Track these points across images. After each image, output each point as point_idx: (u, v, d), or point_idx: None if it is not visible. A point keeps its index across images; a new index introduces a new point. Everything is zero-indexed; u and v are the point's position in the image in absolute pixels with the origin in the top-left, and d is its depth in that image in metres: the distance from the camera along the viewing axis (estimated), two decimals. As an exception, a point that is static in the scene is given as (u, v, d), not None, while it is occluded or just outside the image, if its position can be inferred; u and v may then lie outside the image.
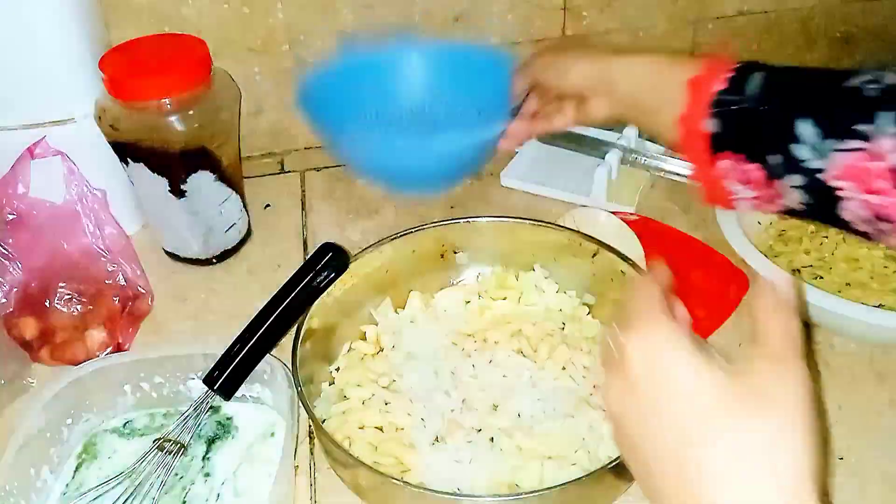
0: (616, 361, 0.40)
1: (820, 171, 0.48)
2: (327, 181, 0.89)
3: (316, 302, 0.60)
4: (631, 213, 0.77)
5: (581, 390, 0.58)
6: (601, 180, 0.79)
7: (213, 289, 0.75)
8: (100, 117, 0.69)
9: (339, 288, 0.63)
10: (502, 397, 0.58)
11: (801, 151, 0.48)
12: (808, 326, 0.66)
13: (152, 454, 0.56)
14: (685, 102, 0.54)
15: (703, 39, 0.94)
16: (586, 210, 0.73)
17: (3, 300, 0.69)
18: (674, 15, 0.92)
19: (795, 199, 0.50)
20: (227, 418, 0.61)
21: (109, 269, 0.71)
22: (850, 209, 0.48)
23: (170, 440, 0.56)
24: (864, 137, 0.46)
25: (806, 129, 0.48)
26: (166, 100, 0.67)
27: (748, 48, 0.96)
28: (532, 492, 0.51)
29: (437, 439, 0.56)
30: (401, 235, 0.66)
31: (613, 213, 0.72)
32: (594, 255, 0.64)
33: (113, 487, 0.55)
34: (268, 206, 0.85)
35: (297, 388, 0.55)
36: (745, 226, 0.68)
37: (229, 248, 0.78)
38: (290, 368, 0.57)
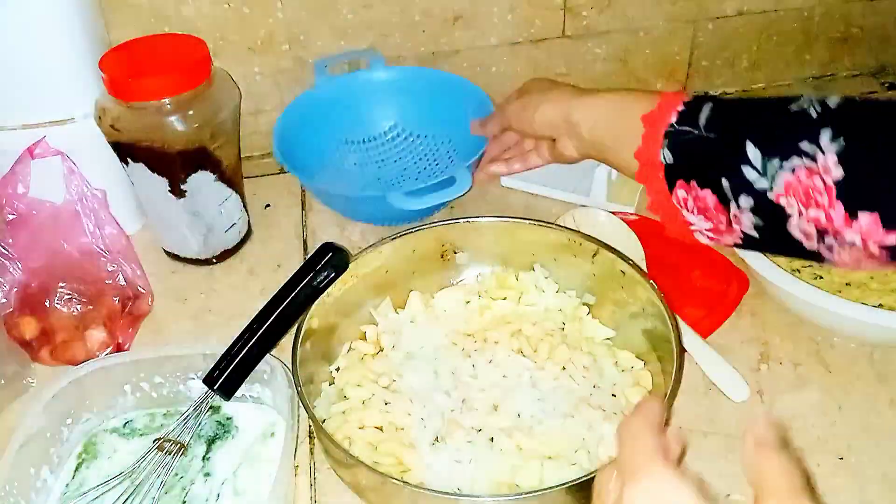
0: None
1: (767, 190, 0.50)
2: (327, 181, 0.89)
3: (316, 302, 0.60)
4: (631, 213, 0.77)
5: (581, 390, 0.58)
6: (601, 180, 0.79)
7: (213, 289, 0.75)
8: (100, 117, 0.69)
9: (339, 288, 0.63)
10: (502, 397, 0.58)
11: (749, 173, 0.50)
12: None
13: (152, 454, 0.56)
14: (641, 136, 0.57)
15: (704, 39, 0.95)
16: (586, 210, 0.73)
17: (3, 300, 0.69)
18: (674, 15, 0.92)
19: (748, 223, 0.52)
20: (227, 418, 0.61)
21: (109, 269, 0.71)
22: (796, 225, 0.50)
23: (170, 440, 0.56)
24: (808, 155, 0.48)
25: (752, 150, 0.50)
26: (166, 100, 0.67)
27: (748, 48, 0.97)
28: (532, 492, 0.51)
29: (437, 439, 0.56)
30: (401, 235, 0.66)
31: (613, 213, 0.72)
32: (594, 255, 0.64)
33: (113, 487, 0.55)
34: (268, 206, 0.85)
35: (297, 388, 0.55)
36: (745, 226, 0.68)
37: (229, 248, 0.78)
38: (290, 368, 0.57)
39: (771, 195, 0.50)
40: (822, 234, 0.49)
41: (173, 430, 0.57)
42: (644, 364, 0.61)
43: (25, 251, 0.70)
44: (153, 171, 0.70)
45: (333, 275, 0.61)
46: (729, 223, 0.53)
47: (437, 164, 0.86)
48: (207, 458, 0.58)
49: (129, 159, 0.70)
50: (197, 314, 0.73)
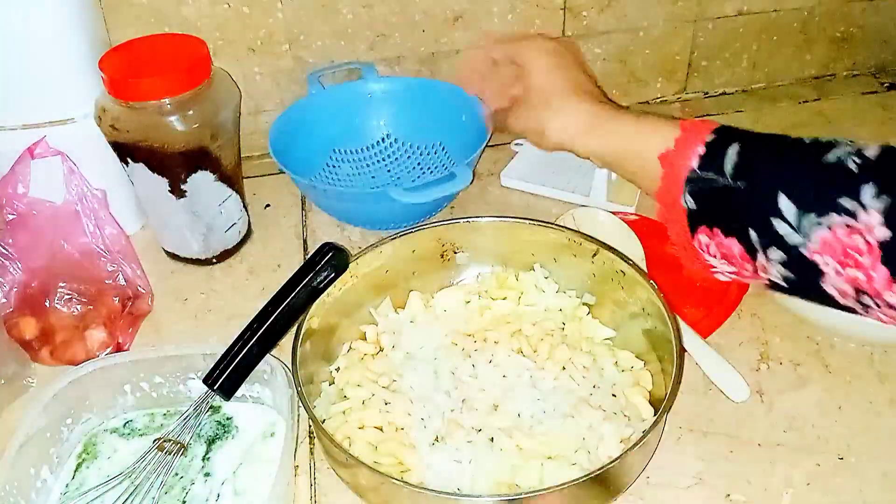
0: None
1: (800, 246, 0.47)
2: (327, 181, 0.89)
3: (316, 302, 0.60)
4: (631, 213, 0.77)
5: (581, 390, 0.58)
6: (601, 180, 0.79)
7: (213, 289, 0.75)
8: (100, 117, 0.69)
9: (339, 288, 0.63)
10: (502, 397, 0.58)
11: (780, 226, 0.47)
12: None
13: (152, 454, 0.56)
14: (659, 177, 0.53)
15: (703, 39, 0.95)
16: (586, 210, 0.73)
17: (3, 300, 0.69)
18: (674, 15, 0.92)
19: (776, 273, 0.49)
20: (227, 418, 0.61)
21: (109, 269, 0.71)
22: (832, 284, 0.47)
23: (170, 440, 0.56)
24: (849, 212, 0.45)
25: (786, 204, 0.47)
26: (166, 100, 0.67)
27: (748, 48, 0.97)
28: (532, 492, 0.51)
29: (437, 439, 0.56)
30: (401, 235, 0.66)
31: (613, 213, 0.72)
32: (594, 255, 0.64)
33: (113, 487, 0.55)
34: (268, 206, 0.85)
35: (297, 388, 0.55)
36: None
37: (229, 248, 0.78)
38: (290, 368, 0.57)
39: (804, 251, 0.47)
40: (859, 292, 0.46)
41: (173, 430, 0.57)
42: (644, 364, 0.61)
43: (25, 251, 0.70)
44: (153, 171, 0.70)
45: (333, 275, 0.61)
46: (755, 271, 0.51)
47: (432, 174, 0.86)
48: (207, 458, 0.58)
49: (129, 159, 0.70)
50: (197, 314, 0.73)
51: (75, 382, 0.59)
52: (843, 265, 0.45)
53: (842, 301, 0.48)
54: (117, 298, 0.70)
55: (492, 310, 0.67)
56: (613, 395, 0.59)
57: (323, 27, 0.85)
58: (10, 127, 0.71)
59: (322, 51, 0.86)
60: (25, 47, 0.68)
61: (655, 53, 0.95)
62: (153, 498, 0.54)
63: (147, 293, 0.72)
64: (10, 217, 0.70)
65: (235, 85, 0.75)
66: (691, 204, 0.51)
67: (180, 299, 0.74)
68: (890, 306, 0.45)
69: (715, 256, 0.52)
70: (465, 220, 0.68)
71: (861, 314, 0.48)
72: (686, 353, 0.63)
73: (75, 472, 0.58)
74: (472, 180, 0.72)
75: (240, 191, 0.77)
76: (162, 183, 0.71)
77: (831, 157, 0.47)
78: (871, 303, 0.46)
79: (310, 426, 0.61)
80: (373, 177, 0.87)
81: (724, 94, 1.00)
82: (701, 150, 0.51)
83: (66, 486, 0.57)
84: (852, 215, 0.45)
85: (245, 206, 0.79)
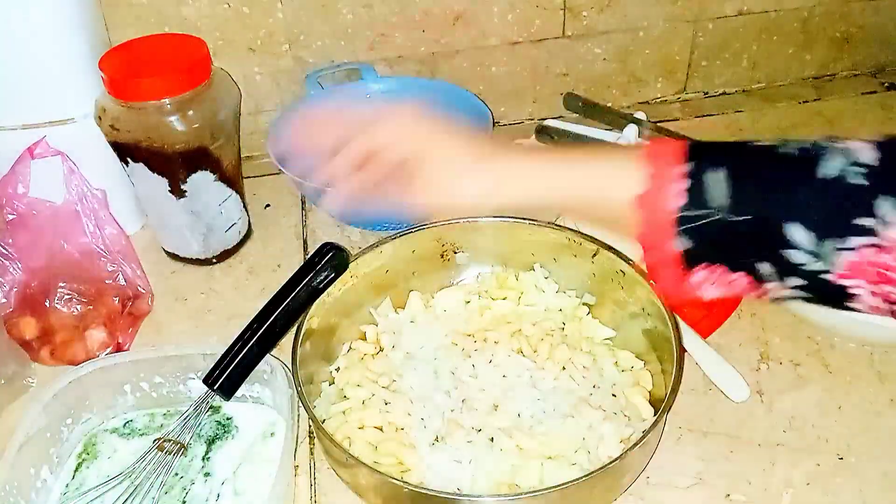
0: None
1: (823, 272, 0.44)
2: (327, 181, 0.89)
3: (316, 302, 0.60)
4: (631, 213, 0.77)
5: (581, 390, 0.58)
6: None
7: (213, 289, 0.75)
8: (100, 117, 0.69)
9: (339, 288, 0.63)
10: (502, 397, 0.58)
11: (796, 256, 0.44)
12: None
13: (152, 454, 0.56)
14: (640, 222, 0.48)
15: (703, 39, 0.95)
16: (586, 210, 0.73)
17: (3, 300, 0.69)
18: (674, 15, 0.92)
19: (796, 294, 0.47)
20: (227, 418, 0.61)
21: (109, 269, 0.71)
22: (864, 302, 0.45)
23: (170, 440, 0.56)
24: (869, 231, 0.42)
25: (799, 233, 0.44)
26: (166, 100, 0.67)
27: (748, 48, 0.97)
28: (532, 492, 0.51)
29: (437, 439, 0.56)
30: (401, 235, 0.66)
31: (613, 213, 0.72)
32: (594, 255, 0.64)
33: (113, 487, 0.55)
34: (268, 206, 0.85)
35: (297, 388, 0.55)
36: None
37: (229, 248, 0.78)
38: (290, 368, 0.57)
39: (829, 277, 0.44)
40: (891, 303, 0.44)
41: (173, 430, 0.57)
42: (644, 364, 0.61)
43: (25, 251, 0.70)
44: (153, 171, 0.70)
45: (333, 275, 0.61)
46: (763, 294, 0.48)
47: None
48: (207, 458, 0.58)
49: (129, 159, 0.70)
50: (197, 314, 0.73)
51: (75, 382, 0.59)
52: (875, 283, 0.43)
53: (870, 313, 0.46)
54: (117, 298, 0.70)
55: (492, 310, 0.67)
56: (613, 395, 0.59)
57: (323, 27, 0.85)
58: (10, 127, 0.71)
59: (322, 51, 0.86)
60: (25, 47, 0.68)
61: (655, 53, 0.95)
62: (153, 498, 0.54)
63: (147, 293, 0.72)
64: (10, 217, 0.70)
65: (235, 85, 0.75)
66: (687, 244, 0.47)
67: (180, 299, 0.74)
68: None
69: (714, 287, 0.48)
70: (465, 220, 0.68)
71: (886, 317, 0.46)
72: (686, 353, 0.63)
73: (75, 471, 0.58)
74: None
75: (240, 191, 0.77)
76: (162, 183, 0.71)
77: (829, 171, 0.43)
78: None
79: (310, 426, 0.61)
80: None
81: (724, 94, 1.00)
82: (684, 184, 0.46)
83: (66, 485, 0.57)
84: (873, 233, 0.42)
85: (245, 206, 0.79)
